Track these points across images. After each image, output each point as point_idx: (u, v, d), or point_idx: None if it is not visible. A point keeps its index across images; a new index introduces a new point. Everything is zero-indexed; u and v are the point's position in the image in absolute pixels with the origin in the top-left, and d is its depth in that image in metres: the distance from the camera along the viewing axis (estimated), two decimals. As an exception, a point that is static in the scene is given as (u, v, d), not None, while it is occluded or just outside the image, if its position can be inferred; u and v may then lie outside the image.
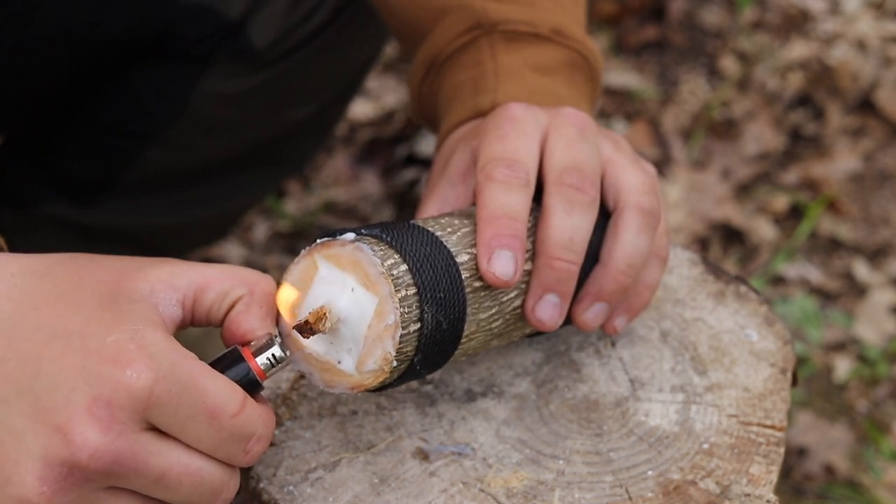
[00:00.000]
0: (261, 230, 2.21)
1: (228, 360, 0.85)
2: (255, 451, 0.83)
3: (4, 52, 1.40)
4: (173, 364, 0.80)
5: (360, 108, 2.43)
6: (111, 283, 0.84)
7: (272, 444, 0.95)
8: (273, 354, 0.86)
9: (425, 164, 2.28)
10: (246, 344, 0.86)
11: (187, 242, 1.75)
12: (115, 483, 0.81)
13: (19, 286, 0.84)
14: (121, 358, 0.80)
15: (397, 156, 2.34)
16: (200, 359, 0.85)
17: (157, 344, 0.81)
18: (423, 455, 0.94)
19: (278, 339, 0.86)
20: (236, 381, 0.84)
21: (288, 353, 0.86)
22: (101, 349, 0.80)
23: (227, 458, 0.83)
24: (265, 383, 0.86)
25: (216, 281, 0.87)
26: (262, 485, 0.92)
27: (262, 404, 0.86)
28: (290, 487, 0.92)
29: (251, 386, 0.85)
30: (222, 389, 0.82)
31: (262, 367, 0.85)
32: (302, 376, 1.00)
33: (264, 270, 2.12)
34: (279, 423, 0.97)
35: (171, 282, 0.86)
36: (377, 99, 2.46)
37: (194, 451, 0.82)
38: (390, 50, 2.52)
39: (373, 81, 2.49)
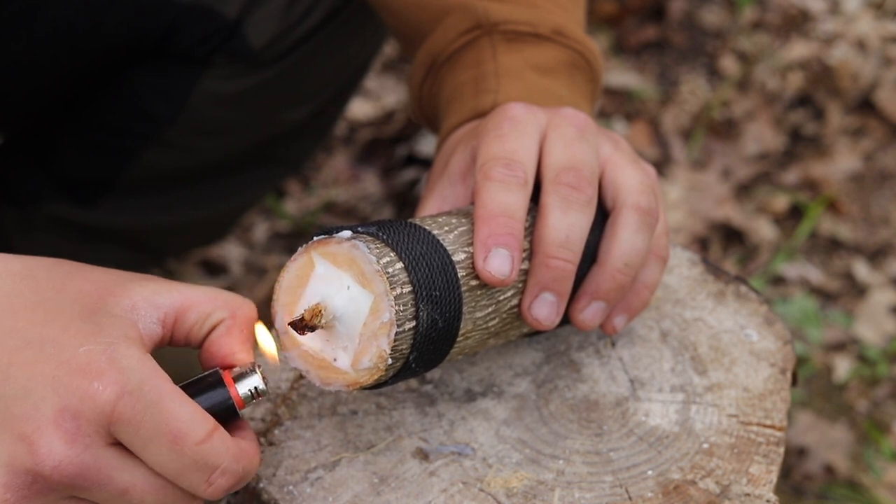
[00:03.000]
0: (261, 230, 2.21)
1: (207, 383, 0.85)
2: (218, 485, 0.82)
3: (6, 52, 1.41)
4: (142, 381, 0.80)
5: (360, 108, 2.43)
6: (93, 295, 0.84)
7: (272, 444, 0.95)
8: (255, 387, 0.85)
9: (425, 164, 2.28)
10: (227, 368, 0.86)
11: (187, 242, 1.75)
12: (79, 494, 0.81)
13: None
14: (90, 369, 0.79)
15: (397, 156, 2.34)
16: (188, 369, 0.85)
17: (128, 359, 0.80)
18: (423, 455, 0.94)
19: (260, 369, 0.86)
20: (212, 407, 0.83)
21: (269, 387, 0.86)
22: (73, 359, 0.80)
23: (188, 487, 0.82)
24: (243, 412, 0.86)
25: (199, 303, 0.87)
26: (261, 485, 0.92)
27: (242, 438, 0.85)
28: (290, 487, 0.92)
29: (227, 413, 0.84)
30: (190, 414, 0.80)
31: (242, 398, 0.85)
32: (302, 376, 1.00)
33: (264, 270, 2.13)
34: (279, 423, 0.97)
35: (154, 300, 0.85)
36: (377, 99, 2.46)
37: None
38: (390, 50, 2.52)
39: (373, 81, 2.49)
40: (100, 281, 0.85)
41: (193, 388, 0.84)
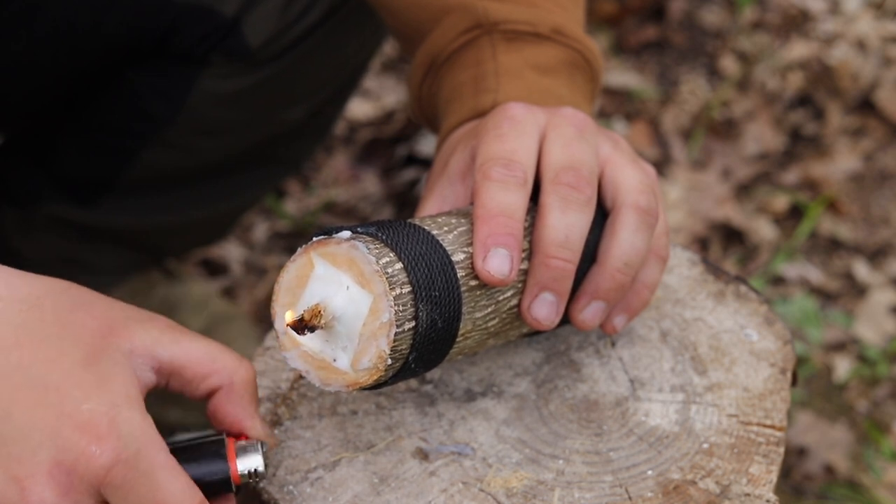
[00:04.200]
0: (261, 230, 2.21)
1: (211, 451, 0.86)
2: None
3: (6, 52, 1.41)
4: (138, 450, 0.81)
5: (360, 108, 2.43)
6: (97, 334, 0.84)
7: (272, 444, 0.95)
8: (256, 468, 0.86)
9: (425, 164, 2.28)
10: (235, 435, 0.88)
11: (187, 242, 1.75)
12: None
13: (5, 315, 0.83)
14: (90, 430, 0.80)
15: (397, 156, 2.34)
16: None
17: (129, 424, 0.81)
18: (423, 455, 0.94)
19: (265, 448, 0.87)
20: (208, 476, 0.85)
21: (268, 469, 0.87)
22: (75, 415, 0.81)
23: None
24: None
25: (195, 364, 0.88)
26: (262, 484, 0.92)
27: None
28: (290, 487, 0.92)
29: (221, 486, 0.86)
30: (178, 490, 0.82)
31: (239, 475, 0.86)
32: (301, 376, 1.00)
33: (264, 270, 2.13)
34: (279, 423, 0.97)
35: (153, 350, 0.86)
36: (377, 99, 2.46)
37: None
38: (390, 50, 2.52)
39: (373, 81, 2.49)
40: (104, 317, 0.86)
41: (196, 452, 0.86)
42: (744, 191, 2.34)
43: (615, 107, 2.49)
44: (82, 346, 0.83)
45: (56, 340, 0.83)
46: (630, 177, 0.97)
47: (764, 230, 2.25)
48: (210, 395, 0.89)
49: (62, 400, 0.81)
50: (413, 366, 0.88)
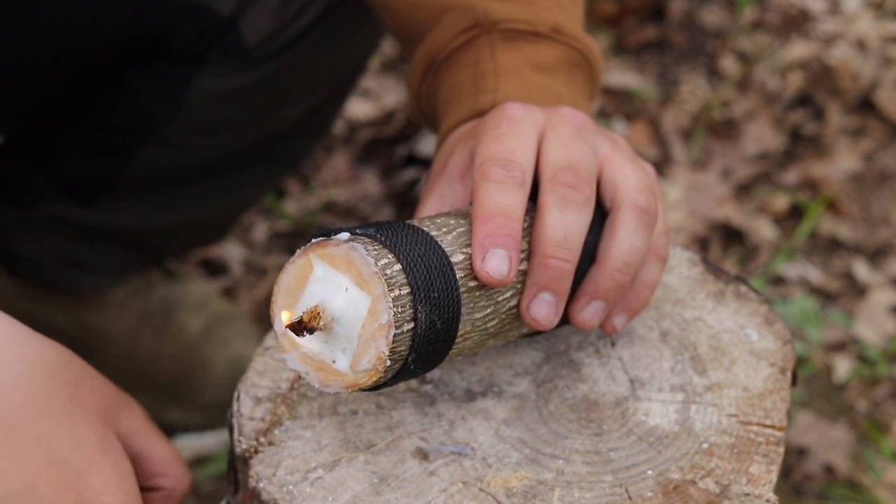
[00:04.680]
0: (261, 230, 2.21)
1: None
2: None
3: (6, 52, 1.41)
4: None
5: (360, 108, 2.43)
6: (100, 416, 0.87)
7: (272, 444, 0.95)
8: None
9: (425, 164, 2.28)
10: None
11: (187, 242, 1.75)
12: None
13: (28, 382, 0.84)
14: None
15: (397, 156, 2.34)
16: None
17: None
18: (423, 455, 0.94)
19: None
20: None
21: None
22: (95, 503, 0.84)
23: None
24: None
25: (156, 462, 0.93)
26: (261, 484, 0.92)
27: None
28: (290, 487, 0.92)
29: None
30: None
31: None
32: (301, 376, 1.00)
33: (264, 270, 2.13)
34: (279, 423, 0.97)
35: (131, 439, 0.91)
36: (377, 99, 2.46)
37: None
38: (390, 50, 2.52)
39: (373, 81, 2.49)
40: (100, 397, 0.89)
41: None
42: (744, 191, 2.34)
43: (615, 107, 2.49)
44: (93, 429, 0.86)
45: (72, 417, 0.85)
46: (629, 176, 0.97)
47: (764, 230, 2.25)
48: (150, 489, 0.93)
49: (84, 485, 0.83)
50: (412, 367, 0.88)
